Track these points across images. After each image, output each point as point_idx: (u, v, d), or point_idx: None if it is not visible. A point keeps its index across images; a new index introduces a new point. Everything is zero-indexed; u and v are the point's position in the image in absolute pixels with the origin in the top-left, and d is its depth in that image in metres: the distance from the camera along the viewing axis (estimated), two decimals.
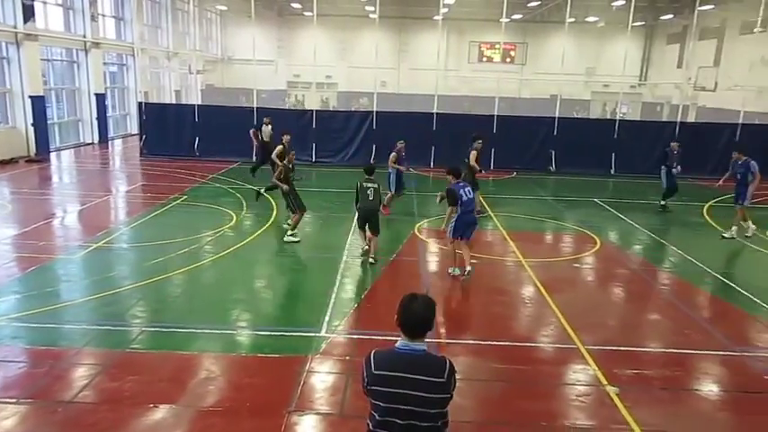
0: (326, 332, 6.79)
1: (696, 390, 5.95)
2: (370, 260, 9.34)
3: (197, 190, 14.77)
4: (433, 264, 9.96)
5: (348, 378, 5.78)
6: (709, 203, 14.99)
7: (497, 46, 35.84)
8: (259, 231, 11.07)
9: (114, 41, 25.84)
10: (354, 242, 10.50)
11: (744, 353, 6.67)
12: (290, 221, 10.88)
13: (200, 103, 28.92)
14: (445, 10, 28.06)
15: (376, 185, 9.46)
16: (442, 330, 6.84)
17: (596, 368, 6.12)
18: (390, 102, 29.96)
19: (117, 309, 7.32)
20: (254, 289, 8.47)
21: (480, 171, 12.56)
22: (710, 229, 12.63)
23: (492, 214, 12.96)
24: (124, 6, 26.79)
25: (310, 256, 9.97)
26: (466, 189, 8.83)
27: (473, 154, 12.70)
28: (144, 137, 19.99)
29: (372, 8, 27.95)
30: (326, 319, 7.14)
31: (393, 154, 13.27)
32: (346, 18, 37.40)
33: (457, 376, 2.97)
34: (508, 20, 31.29)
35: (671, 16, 34.12)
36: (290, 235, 10.46)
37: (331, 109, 32.10)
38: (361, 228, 9.61)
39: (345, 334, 6.81)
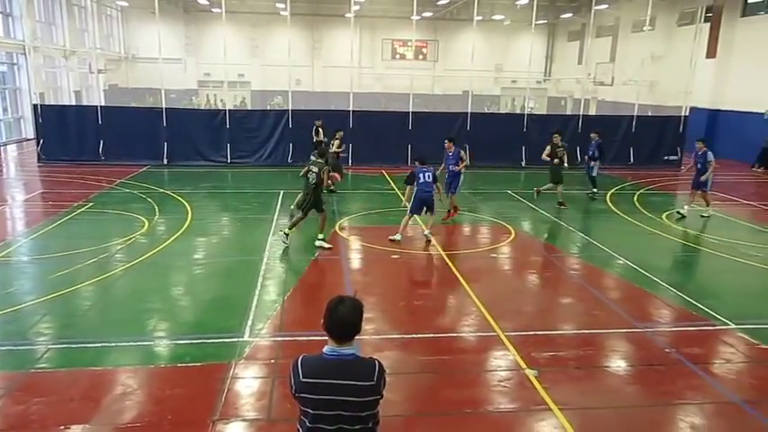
0: (250, 336, 6.64)
1: (606, 366, 6.34)
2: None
3: (104, 196, 13.99)
4: (356, 261, 9.99)
5: (274, 381, 5.69)
6: (612, 192, 15.97)
7: (410, 43, 36.38)
8: (174, 236, 10.64)
9: (2, 39, 23.92)
10: (275, 243, 10.34)
11: (646, 329, 7.18)
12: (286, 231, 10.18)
13: (103, 104, 27.34)
14: (357, 7, 28.15)
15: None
16: (369, 327, 6.89)
17: (516, 353, 6.39)
18: (306, 100, 29.73)
19: (19, 327, 6.80)
20: (172, 297, 8.14)
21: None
22: (613, 215, 13.48)
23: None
24: (12, 1, 24.84)
25: (230, 260, 9.71)
26: (427, 173, 10.49)
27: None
28: (41, 141, 18.64)
29: (283, 5, 27.55)
30: (249, 323, 6.99)
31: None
32: (257, 15, 36.67)
33: (386, 374, 2.99)
34: (419, 17, 31.85)
35: (570, 15, 36.03)
36: (322, 240, 10.10)
37: (245, 108, 31.35)
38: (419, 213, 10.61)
39: (269, 337, 6.70)
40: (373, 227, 12.17)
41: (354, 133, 19.18)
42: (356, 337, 2.96)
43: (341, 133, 15.70)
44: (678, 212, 13.26)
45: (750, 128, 21.83)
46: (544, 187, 14.23)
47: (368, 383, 2.88)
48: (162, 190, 14.63)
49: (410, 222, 10.84)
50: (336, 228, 11.48)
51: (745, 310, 7.95)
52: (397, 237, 10.54)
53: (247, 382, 5.72)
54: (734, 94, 23.89)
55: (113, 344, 6.43)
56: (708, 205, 13.27)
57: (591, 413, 5.36)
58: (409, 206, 10.66)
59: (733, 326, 7.26)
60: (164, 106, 18.73)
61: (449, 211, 12.35)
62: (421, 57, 38.97)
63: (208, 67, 37.06)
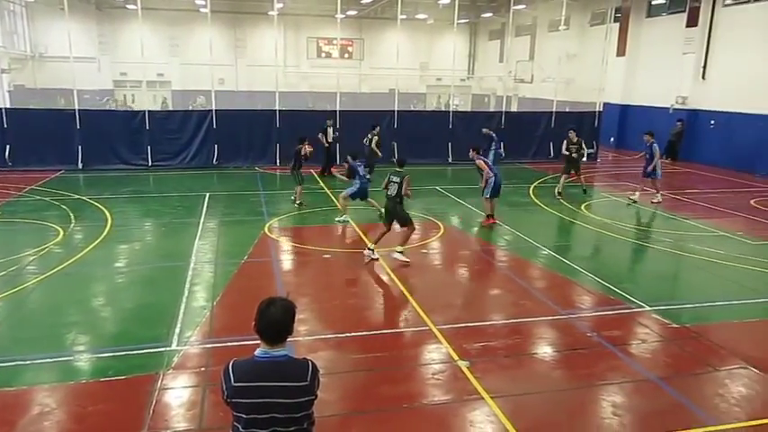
0: (178, 345, 6.42)
1: (534, 353, 6.59)
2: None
3: (12, 205, 13.09)
4: (287, 263, 9.86)
5: (205, 389, 5.53)
6: (534, 184, 16.58)
7: (335, 42, 36.26)
8: (93, 245, 10.10)
9: None
10: (202, 247, 10.05)
11: (569, 315, 7.51)
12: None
13: (8, 106, 25.56)
14: (280, 5, 27.76)
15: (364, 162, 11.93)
16: (302, 328, 6.82)
17: (448, 345, 6.51)
18: (230, 99, 29.01)
19: None
20: (92, 308, 7.72)
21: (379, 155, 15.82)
22: (536, 207, 14.01)
23: (342, 208, 13.12)
24: None
25: (154, 267, 9.34)
26: (361, 167, 11.90)
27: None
28: None
29: (203, 2, 26.74)
30: (177, 331, 6.75)
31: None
32: (175, 13, 35.34)
33: (320, 374, 2.98)
34: (344, 16, 31.81)
35: (490, 15, 37.07)
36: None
37: (165, 109, 30.19)
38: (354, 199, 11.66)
39: (199, 344, 6.50)
40: (304, 227, 12.08)
41: (282, 133, 18.95)
42: (289, 339, 2.94)
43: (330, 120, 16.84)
44: (630, 198, 14.46)
45: (657, 121, 23.24)
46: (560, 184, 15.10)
47: (302, 384, 2.86)
48: (77, 196, 13.87)
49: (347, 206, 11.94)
50: (266, 229, 11.29)
51: (658, 293, 8.48)
52: (344, 218, 11.80)
53: (177, 393, 5.52)
54: (642, 90, 25.41)
55: (28, 362, 6.03)
56: (657, 192, 14.46)
57: (521, 399, 5.55)
58: (348, 194, 11.84)
59: (647, 308, 7.72)
60: (77, 108, 17.74)
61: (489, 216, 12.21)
62: (347, 55, 38.91)
63: (124, 66, 35.38)
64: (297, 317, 2.94)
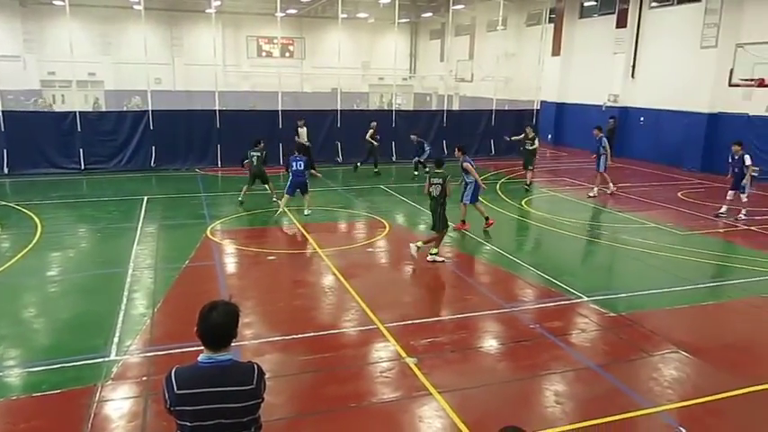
0: (117, 355, 6.18)
1: (479, 347, 6.72)
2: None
3: None
4: (231, 265, 9.66)
5: (147, 399, 5.35)
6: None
7: (275, 41, 35.79)
8: (21, 253, 9.59)
9: None
10: (141, 252, 9.71)
11: (513, 308, 7.71)
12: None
13: None
14: (218, 3, 27.17)
15: (304, 159, 12.66)
16: (247, 332, 6.70)
17: (395, 343, 6.55)
18: (168, 100, 28.15)
19: None
20: (23, 320, 7.32)
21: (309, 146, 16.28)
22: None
23: (286, 209, 13.00)
24: None
25: (90, 274, 8.95)
26: (298, 161, 12.61)
27: (304, 132, 16.95)
28: None
29: None
30: (116, 340, 6.50)
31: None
32: (107, 9, 34.00)
33: (266, 377, 2.94)
34: (284, 14, 31.45)
35: (430, 14, 37.51)
36: (434, 254, 9.62)
37: (98, 110, 28.97)
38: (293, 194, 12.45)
39: (140, 353, 6.28)
40: (247, 228, 11.87)
41: (222, 133, 18.56)
42: (234, 343, 2.89)
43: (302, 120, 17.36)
44: (589, 195, 15.12)
45: (591, 118, 24.12)
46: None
47: (248, 388, 2.82)
48: (4, 203, 13.13)
49: (288, 203, 12.63)
50: (208, 232, 11.02)
51: (596, 284, 8.82)
52: (281, 209, 12.58)
53: (117, 404, 5.32)
54: (577, 88, 26.33)
55: None
56: (608, 183, 15.43)
57: (468, 393, 5.64)
58: (286, 188, 12.65)
59: (586, 298, 8.01)
60: (0, 108, 16.78)
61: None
62: (288, 54, 38.48)
63: (52, 65, 33.71)
64: (242, 320, 2.89)
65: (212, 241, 10.56)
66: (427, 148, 17.84)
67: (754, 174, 12.87)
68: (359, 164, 18.24)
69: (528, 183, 16.18)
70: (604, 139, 15.42)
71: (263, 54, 38.55)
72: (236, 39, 38.59)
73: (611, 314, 7.54)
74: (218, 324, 2.79)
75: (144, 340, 6.59)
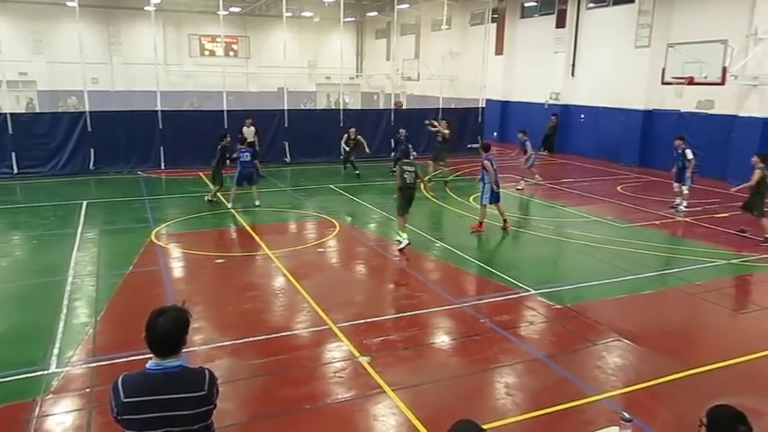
0: (58, 367, 5.92)
1: (432, 343, 6.79)
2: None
3: None
4: (177, 270, 9.41)
5: (91, 412, 5.16)
6: (424, 180, 17.02)
7: (218, 39, 35.04)
8: None
9: None
10: (82, 259, 9.34)
11: (463, 304, 7.83)
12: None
13: None
14: (157, 0, 26.34)
15: (251, 150, 13.19)
16: (197, 337, 6.55)
17: (348, 343, 6.55)
18: (106, 100, 27.15)
19: None
20: None
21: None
22: (427, 201, 14.42)
23: (234, 211, 12.78)
24: None
25: (26, 284, 8.53)
26: (245, 153, 13.27)
27: (250, 131, 16.90)
28: None
29: None
30: (56, 351, 6.22)
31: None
32: (37, 6, 32.45)
33: (218, 383, 2.88)
34: (226, 12, 30.84)
35: (376, 14, 37.59)
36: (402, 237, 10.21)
37: (31, 111, 27.63)
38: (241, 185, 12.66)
39: (83, 364, 6.04)
40: (194, 232, 11.58)
41: (165, 134, 18.06)
42: (184, 349, 2.83)
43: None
44: (517, 189, 15.69)
45: (534, 116, 24.83)
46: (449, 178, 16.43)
47: (199, 394, 2.77)
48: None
49: (237, 192, 13.20)
50: (152, 236, 10.71)
51: (542, 277, 9.06)
52: (229, 204, 12.99)
53: (59, 419, 5.10)
54: (520, 87, 26.98)
55: None
56: (526, 178, 16.31)
57: (421, 389, 5.70)
58: (235, 180, 13.12)
59: (533, 291, 8.22)
60: None
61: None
62: (232, 53, 37.73)
63: None
64: (191, 325, 2.83)
65: (157, 245, 10.27)
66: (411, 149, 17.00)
67: (694, 167, 13.43)
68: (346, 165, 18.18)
69: (447, 179, 16.61)
70: (528, 143, 16.36)
71: (206, 53, 37.66)
72: (177, 37, 37.55)
73: (558, 306, 7.77)
74: (165, 330, 2.73)
75: (87, 350, 6.34)
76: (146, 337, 2.74)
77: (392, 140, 20.04)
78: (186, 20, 37.00)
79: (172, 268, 9.42)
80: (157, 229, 11.28)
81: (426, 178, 15.60)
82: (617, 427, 3.48)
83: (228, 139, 13.81)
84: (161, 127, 18.04)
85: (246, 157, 13.12)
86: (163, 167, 17.93)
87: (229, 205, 12.97)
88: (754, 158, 11.38)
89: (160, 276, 8.86)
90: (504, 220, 11.72)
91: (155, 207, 13.27)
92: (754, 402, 5.26)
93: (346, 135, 17.82)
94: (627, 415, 3.45)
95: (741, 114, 17.07)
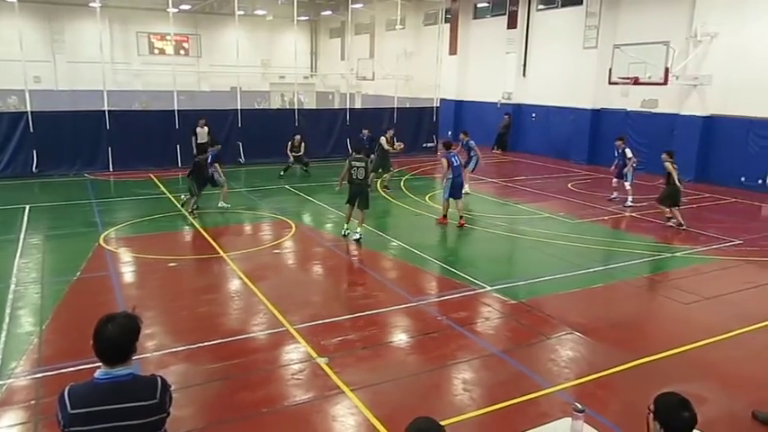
0: (0, 379, 5.66)
1: (389, 342, 6.82)
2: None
3: None
4: (128, 275, 9.13)
5: (37, 425, 4.96)
6: (381, 179, 17.06)
7: (168, 37, 34.20)
8: None
9: None
10: (25, 266, 8.95)
11: (420, 302, 7.89)
12: None
13: None
14: None
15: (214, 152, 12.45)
16: (149, 344, 6.38)
17: (306, 344, 6.50)
18: (49, 100, 26.11)
19: None
20: None
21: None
22: (384, 200, 14.46)
23: (186, 213, 12.49)
24: None
25: None
26: (214, 154, 12.96)
27: (203, 132, 16.65)
28: None
29: None
30: None
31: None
32: None
33: (172, 390, 2.81)
34: (176, 10, 30.08)
35: (330, 13, 37.43)
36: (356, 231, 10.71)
37: None
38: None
39: (27, 375, 5.79)
40: (145, 235, 11.26)
41: (113, 135, 17.51)
42: (136, 356, 2.74)
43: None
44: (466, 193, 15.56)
45: (488, 115, 25.25)
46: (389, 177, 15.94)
47: (151, 402, 2.69)
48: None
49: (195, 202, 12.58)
50: (101, 240, 10.36)
51: (497, 273, 9.22)
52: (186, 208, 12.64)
53: None
54: (474, 86, 27.37)
55: None
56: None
57: (379, 388, 5.71)
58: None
59: (489, 288, 8.36)
60: None
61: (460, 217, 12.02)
62: (183, 52, 36.89)
63: None
64: (143, 331, 2.75)
65: (106, 250, 9.94)
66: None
67: (634, 165, 14.12)
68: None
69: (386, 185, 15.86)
70: (471, 142, 15.73)
71: (156, 51, 36.71)
72: (124, 35, 36.44)
73: (513, 301, 7.92)
74: (113, 338, 2.64)
75: (31, 361, 6.09)
76: (93, 345, 2.64)
77: (349, 140, 20.02)
78: (134, 17, 35.95)
79: (122, 273, 9.14)
80: (106, 232, 10.93)
81: (385, 176, 15.74)
82: (570, 418, 3.57)
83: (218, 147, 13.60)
84: (108, 127, 17.47)
85: (209, 159, 12.81)
86: (111, 169, 17.38)
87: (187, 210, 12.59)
88: (664, 155, 12.37)
89: (109, 282, 8.59)
90: (461, 217, 11.92)
91: (103, 210, 12.84)
92: (698, 389, 5.50)
93: (290, 142, 17.51)
94: (579, 406, 3.55)
95: (682, 113, 17.80)
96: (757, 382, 5.79)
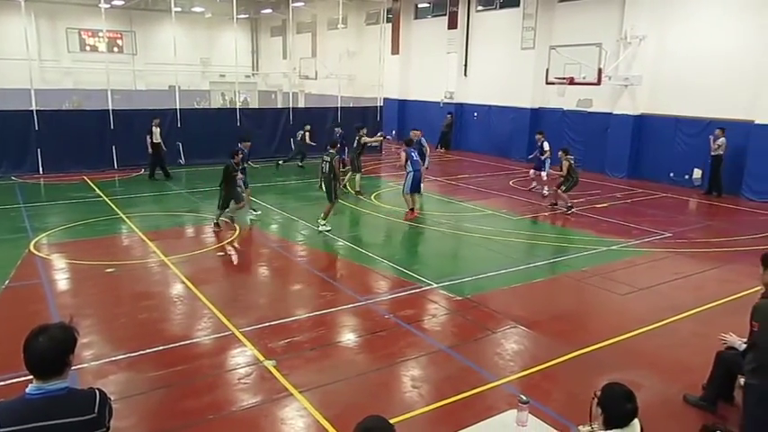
0: None
1: (338, 342, 6.80)
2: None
3: None
4: (62, 283, 8.72)
5: None
6: (352, 181, 16.98)
7: (101, 34, 32.86)
8: None
9: None
10: None
11: (368, 301, 7.91)
12: None
13: None
14: None
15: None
16: (86, 353, 6.11)
17: (253, 347, 6.40)
18: None
19: None
20: None
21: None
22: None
23: (124, 216, 12.05)
24: None
25: None
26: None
27: (157, 131, 16.37)
28: None
29: None
30: None
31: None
32: None
33: (111, 402, 2.70)
34: (108, 6, 29.00)
35: (270, 11, 36.91)
36: (324, 225, 11.08)
37: None
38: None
39: None
40: (80, 240, 10.77)
41: (42, 136, 16.69)
42: (73, 367, 2.62)
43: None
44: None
45: (431, 114, 25.56)
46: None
47: (89, 417, 2.57)
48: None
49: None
50: (31, 247, 9.86)
51: (443, 270, 9.35)
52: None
53: None
54: (417, 86, 27.64)
55: None
56: None
57: (328, 388, 5.68)
58: None
59: (435, 285, 8.47)
60: None
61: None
62: (116, 49, 35.53)
63: None
64: (79, 341, 2.63)
65: (37, 257, 9.46)
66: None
67: (549, 158, 15.37)
68: (281, 162, 18.84)
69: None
70: (423, 140, 15.72)
71: (87, 48, 35.20)
72: (53, 31, 34.77)
73: (459, 298, 8.05)
74: (46, 350, 2.50)
75: None
76: (23, 358, 2.51)
77: (292, 139, 19.83)
78: (63, 12, 34.37)
79: (55, 281, 8.71)
80: (37, 239, 10.40)
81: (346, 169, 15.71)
82: (515, 410, 3.67)
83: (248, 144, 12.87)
84: (37, 128, 16.65)
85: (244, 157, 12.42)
86: (41, 172, 16.58)
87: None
88: (560, 153, 13.57)
89: (41, 290, 8.17)
90: (412, 210, 12.46)
91: (33, 215, 12.21)
92: (635, 376, 5.76)
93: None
94: (524, 397, 3.65)
95: (615, 112, 18.58)
96: (687, 368, 6.12)
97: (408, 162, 12.45)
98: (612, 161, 18.60)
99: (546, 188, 15.14)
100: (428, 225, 12.30)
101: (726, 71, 15.72)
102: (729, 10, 15.73)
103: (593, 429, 3.20)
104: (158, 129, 16.55)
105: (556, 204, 13.74)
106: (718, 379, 5.33)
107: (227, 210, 11.42)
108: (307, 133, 19.10)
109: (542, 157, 15.37)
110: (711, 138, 15.42)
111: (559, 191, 13.50)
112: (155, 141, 16.39)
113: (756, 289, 4.22)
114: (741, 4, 15.54)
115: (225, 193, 11.32)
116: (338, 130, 17.26)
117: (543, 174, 15.34)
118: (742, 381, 4.57)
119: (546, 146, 15.28)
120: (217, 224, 11.41)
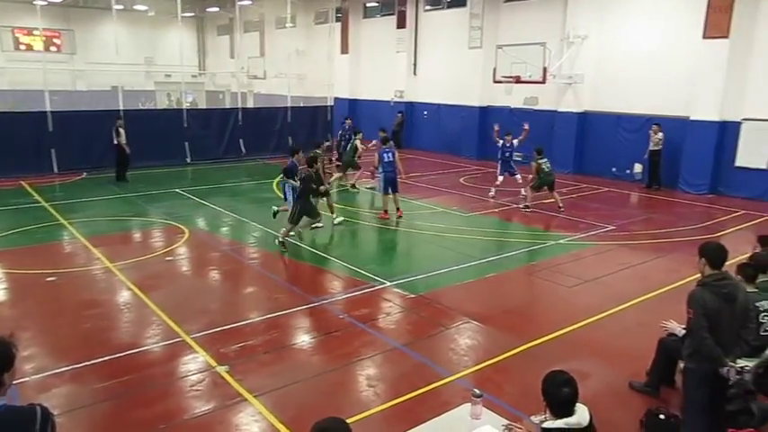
0: None
1: (292, 344, 6.74)
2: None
3: None
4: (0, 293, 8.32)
5: None
6: (277, 179, 16.80)
7: (36, 32, 31.42)
8: None
9: None
10: None
11: (322, 301, 7.87)
12: None
13: None
14: None
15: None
16: (27, 367, 5.84)
17: (204, 353, 6.27)
18: None
19: None
20: None
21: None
22: (281, 201, 14.21)
23: (66, 222, 11.59)
24: None
25: None
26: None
27: (123, 133, 15.96)
28: None
29: None
30: None
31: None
32: None
33: (54, 417, 2.59)
34: (45, 3, 27.77)
35: (217, 9, 36.16)
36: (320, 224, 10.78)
37: None
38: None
39: None
40: (18, 248, 10.27)
41: None
42: (14, 381, 2.50)
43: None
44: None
45: (382, 113, 25.60)
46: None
47: None
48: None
49: None
50: None
51: (396, 269, 9.42)
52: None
53: None
54: (367, 85, 27.65)
55: None
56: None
57: (283, 392, 5.63)
58: None
59: (389, 283, 8.50)
60: None
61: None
62: (54, 48, 34.05)
63: None
64: (19, 355, 2.51)
65: None
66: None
67: (518, 159, 15.06)
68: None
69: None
70: (391, 143, 16.12)
71: (22, 47, 33.61)
72: None
73: (412, 295, 8.11)
74: None
75: None
76: None
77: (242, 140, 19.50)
78: None
79: None
80: None
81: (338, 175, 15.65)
82: (470, 404, 3.72)
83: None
84: None
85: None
86: None
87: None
88: (534, 153, 13.60)
89: None
90: (398, 209, 12.61)
91: None
92: (582, 365, 5.95)
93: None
94: (477, 391, 3.71)
95: (560, 109, 19.10)
96: (632, 356, 6.35)
97: (380, 163, 12.49)
98: (558, 157, 19.09)
99: (523, 190, 14.31)
100: (381, 224, 12.34)
101: (662, 70, 16.40)
102: (663, 11, 16.42)
103: (545, 419, 3.28)
104: (123, 130, 16.09)
105: (528, 207, 13.44)
106: (660, 365, 5.56)
107: (300, 224, 10.41)
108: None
109: (516, 158, 14.88)
110: (650, 133, 16.06)
111: (529, 188, 13.47)
112: (122, 143, 15.96)
113: (696, 277, 4.42)
114: (672, 5, 16.25)
115: (300, 206, 10.26)
116: (348, 122, 17.50)
117: (518, 176, 14.53)
118: (682, 365, 4.78)
119: (500, 143, 14.75)
120: (282, 243, 10.17)
